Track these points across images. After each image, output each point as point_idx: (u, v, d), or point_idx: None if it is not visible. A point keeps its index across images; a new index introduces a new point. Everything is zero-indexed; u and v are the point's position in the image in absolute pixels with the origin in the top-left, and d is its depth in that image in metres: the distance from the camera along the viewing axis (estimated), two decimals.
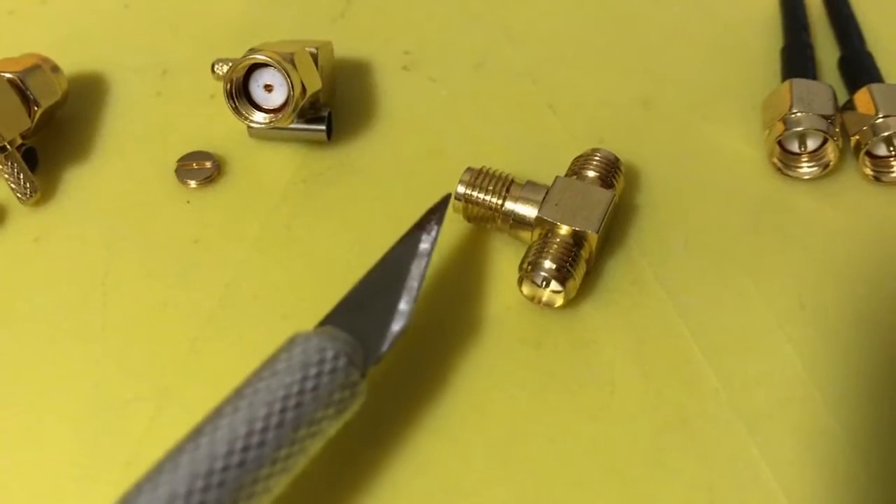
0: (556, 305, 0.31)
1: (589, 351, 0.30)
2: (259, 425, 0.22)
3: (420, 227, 0.29)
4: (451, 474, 0.27)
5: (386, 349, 0.26)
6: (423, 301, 0.31)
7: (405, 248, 0.29)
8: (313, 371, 0.24)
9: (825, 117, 0.35)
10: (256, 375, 0.24)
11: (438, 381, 0.29)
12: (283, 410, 0.23)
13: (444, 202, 0.30)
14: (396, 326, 0.27)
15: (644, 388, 0.29)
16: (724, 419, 0.28)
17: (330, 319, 0.27)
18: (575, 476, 0.27)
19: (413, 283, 0.28)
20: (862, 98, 0.36)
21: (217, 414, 0.23)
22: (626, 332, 0.31)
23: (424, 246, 0.29)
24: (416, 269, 0.28)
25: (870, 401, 0.29)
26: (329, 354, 0.24)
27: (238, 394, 0.23)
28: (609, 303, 0.32)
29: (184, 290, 0.32)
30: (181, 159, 0.36)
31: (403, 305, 0.27)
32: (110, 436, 0.28)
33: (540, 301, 0.31)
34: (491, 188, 0.32)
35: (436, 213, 0.30)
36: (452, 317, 0.31)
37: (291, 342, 0.25)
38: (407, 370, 0.29)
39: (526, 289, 0.31)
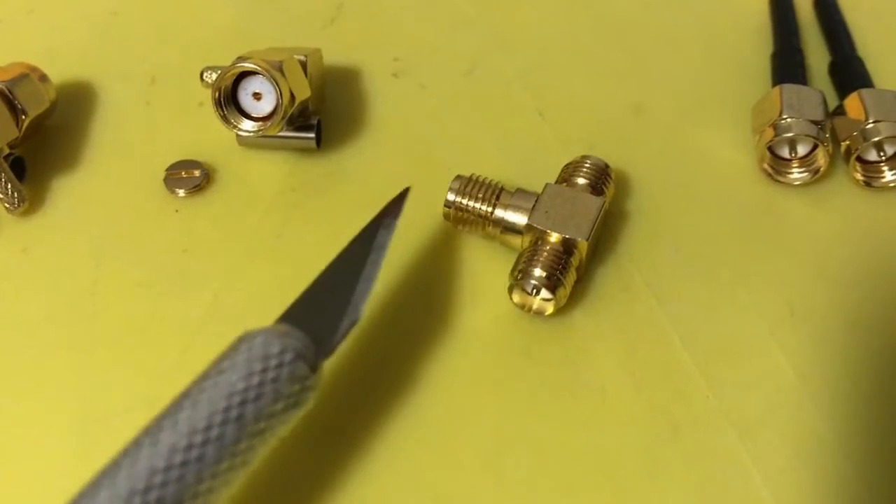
0: (547, 313, 0.31)
1: (579, 359, 0.30)
2: (202, 424, 0.22)
3: (377, 221, 0.29)
4: (440, 484, 0.27)
5: (337, 342, 0.26)
6: (413, 309, 0.31)
7: (361, 243, 0.29)
8: (258, 367, 0.24)
9: (815, 123, 0.35)
10: (203, 375, 0.24)
11: (428, 389, 0.29)
12: (227, 409, 0.23)
13: (402, 196, 0.31)
14: (348, 320, 0.26)
15: (635, 396, 0.29)
16: (714, 426, 0.28)
17: (283, 317, 0.27)
18: (566, 485, 0.27)
19: (368, 276, 0.28)
20: (852, 103, 0.36)
21: (161, 416, 0.23)
22: (617, 340, 0.31)
23: (380, 240, 0.29)
24: (372, 263, 0.28)
25: (861, 407, 0.29)
26: (275, 350, 0.24)
27: (184, 394, 0.23)
28: (599, 310, 0.32)
29: (173, 299, 0.32)
30: (170, 168, 0.36)
31: (356, 299, 0.27)
32: (100, 447, 0.27)
33: (530, 309, 0.31)
34: (481, 196, 0.32)
35: (393, 207, 0.30)
36: (441, 325, 0.31)
37: (240, 340, 0.25)
38: (396, 379, 0.29)
39: (516, 297, 0.31)
